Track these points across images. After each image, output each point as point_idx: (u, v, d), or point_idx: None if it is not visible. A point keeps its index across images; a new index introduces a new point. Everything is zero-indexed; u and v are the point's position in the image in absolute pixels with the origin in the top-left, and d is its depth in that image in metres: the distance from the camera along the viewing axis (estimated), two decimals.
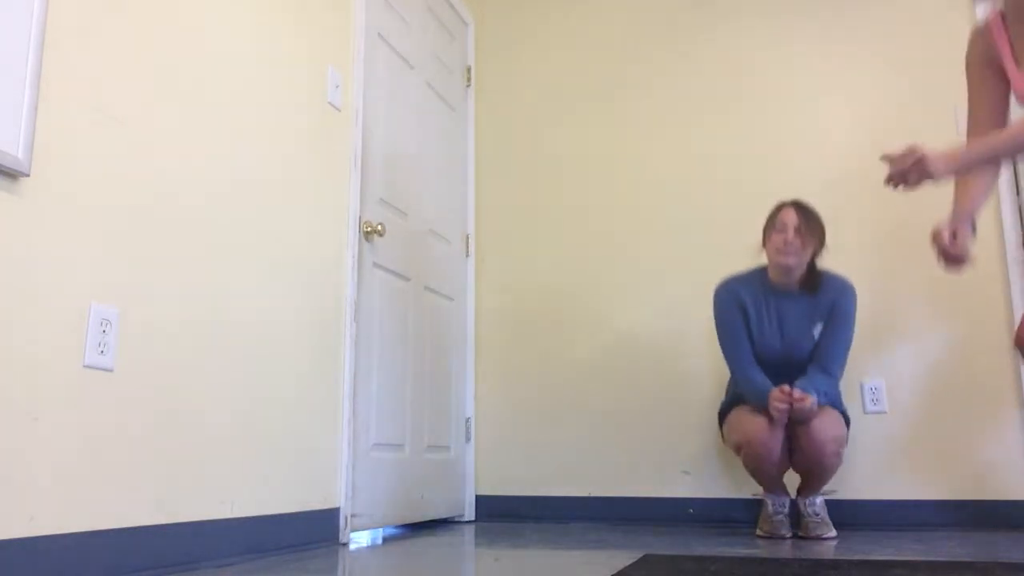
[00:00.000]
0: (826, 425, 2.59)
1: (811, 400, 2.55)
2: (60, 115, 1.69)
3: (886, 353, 3.17)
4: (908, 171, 1.77)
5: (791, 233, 2.67)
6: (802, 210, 2.72)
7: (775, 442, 2.64)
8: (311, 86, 2.60)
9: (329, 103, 2.68)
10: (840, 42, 3.46)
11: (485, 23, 4.02)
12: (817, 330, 2.74)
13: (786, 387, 2.58)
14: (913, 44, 3.36)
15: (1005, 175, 3.15)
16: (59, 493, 1.62)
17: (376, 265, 2.90)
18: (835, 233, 3.30)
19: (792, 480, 2.84)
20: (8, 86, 1.55)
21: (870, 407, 3.14)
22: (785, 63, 3.52)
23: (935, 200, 3.23)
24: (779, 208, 2.77)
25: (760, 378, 2.69)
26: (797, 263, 2.69)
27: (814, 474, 2.66)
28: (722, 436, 2.86)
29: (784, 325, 2.75)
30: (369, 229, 2.82)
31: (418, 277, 3.22)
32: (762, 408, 2.65)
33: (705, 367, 3.35)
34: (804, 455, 2.63)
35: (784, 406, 2.55)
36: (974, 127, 1.95)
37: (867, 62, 3.41)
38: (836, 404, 2.74)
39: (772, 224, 2.75)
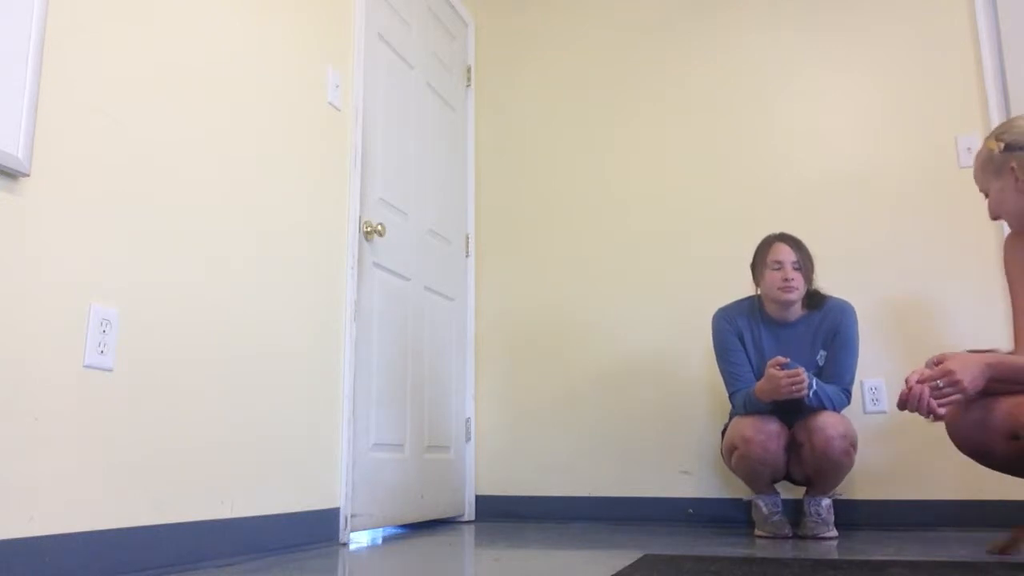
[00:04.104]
0: (834, 421, 2.58)
1: (803, 372, 2.53)
2: (60, 115, 1.69)
3: (886, 353, 3.17)
4: (937, 391, 1.73)
5: (789, 269, 2.68)
6: (793, 243, 2.74)
7: (770, 441, 2.63)
8: (311, 86, 2.60)
9: (329, 103, 2.68)
10: (840, 46, 3.45)
11: (485, 23, 4.02)
12: (820, 356, 2.73)
13: (779, 358, 2.57)
14: (913, 47, 3.36)
15: None
16: (59, 493, 1.62)
17: (376, 265, 2.90)
18: (835, 236, 3.31)
19: (787, 482, 2.85)
20: (8, 86, 1.55)
21: (870, 407, 3.14)
22: (785, 66, 3.51)
23: (932, 201, 3.24)
24: (768, 244, 2.77)
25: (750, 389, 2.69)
26: (799, 296, 2.71)
27: (824, 473, 2.62)
28: (722, 454, 2.85)
29: (784, 354, 2.73)
30: (369, 229, 2.82)
31: (418, 277, 3.22)
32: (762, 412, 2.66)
33: (706, 367, 3.35)
34: (812, 454, 2.60)
35: (784, 371, 2.53)
36: (1021, 333, 1.93)
37: (868, 65, 3.40)
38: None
39: (764, 261, 2.74)
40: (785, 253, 2.71)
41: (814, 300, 2.75)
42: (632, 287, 3.55)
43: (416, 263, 3.20)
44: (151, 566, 1.83)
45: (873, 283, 3.23)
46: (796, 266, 2.69)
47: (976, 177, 2.01)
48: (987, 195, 1.98)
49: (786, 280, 2.68)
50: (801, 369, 2.53)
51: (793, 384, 2.51)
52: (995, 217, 2.00)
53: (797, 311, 2.76)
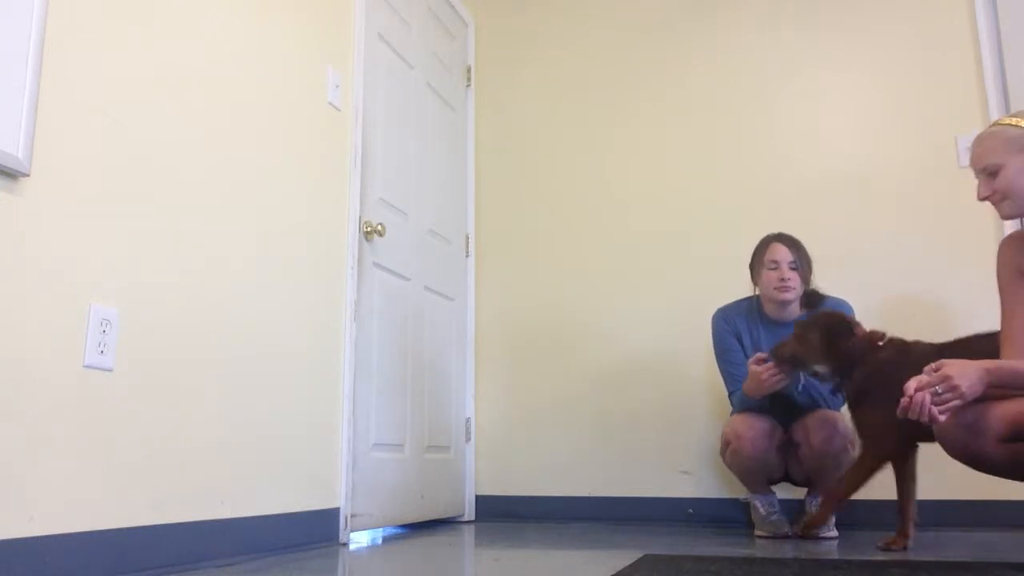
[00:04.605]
0: (830, 418, 2.60)
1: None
2: (60, 115, 1.69)
3: None
4: (936, 398, 1.73)
5: (785, 269, 2.70)
6: (791, 243, 2.75)
7: (761, 439, 2.64)
8: (311, 86, 2.60)
9: (329, 103, 2.68)
10: (839, 46, 3.45)
11: (485, 23, 4.02)
12: None
13: (759, 354, 2.58)
14: (913, 47, 3.36)
15: None
16: (59, 493, 1.62)
17: (376, 265, 2.90)
18: (835, 236, 3.31)
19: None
20: (8, 86, 1.55)
21: None
22: (786, 66, 3.51)
23: (932, 201, 3.24)
24: (766, 244, 2.78)
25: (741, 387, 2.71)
26: (796, 297, 2.72)
27: (823, 470, 2.63)
28: (720, 452, 2.85)
29: None
30: (369, 229, 2.82)
31: (418, 277, 3.22)
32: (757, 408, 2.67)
33: (705, 367, 3.34)
34: (811, 451, 2.61)
35: (764, 365, 2.53)
36: (1009, 339, 1.92)
37: (868, 65, 3.40)
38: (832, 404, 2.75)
39: (761, 261, 2.76)
40: (782, 253, 2.72)
41: (812, 299, 2.76)
42: (632, 287, 3.55)
43: (416, 263, 3.20)
44: (151, 566, 1.83)
45: (873, 283, 3.22)
46: (793, 266, 2.70)
47: (987, 152, 1.91)
48: (991, 174, 1.92)
49: (782, 280, 2.69)
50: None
51: (772, 377, 2.51)
52: (986, 197, 1.94)
53: (795, 310, 2.76)
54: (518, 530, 3.02)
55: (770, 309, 2.78)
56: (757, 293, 2.83)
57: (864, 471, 2.26)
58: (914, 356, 2.20)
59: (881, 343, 2.33)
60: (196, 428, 2.01)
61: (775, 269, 2.71)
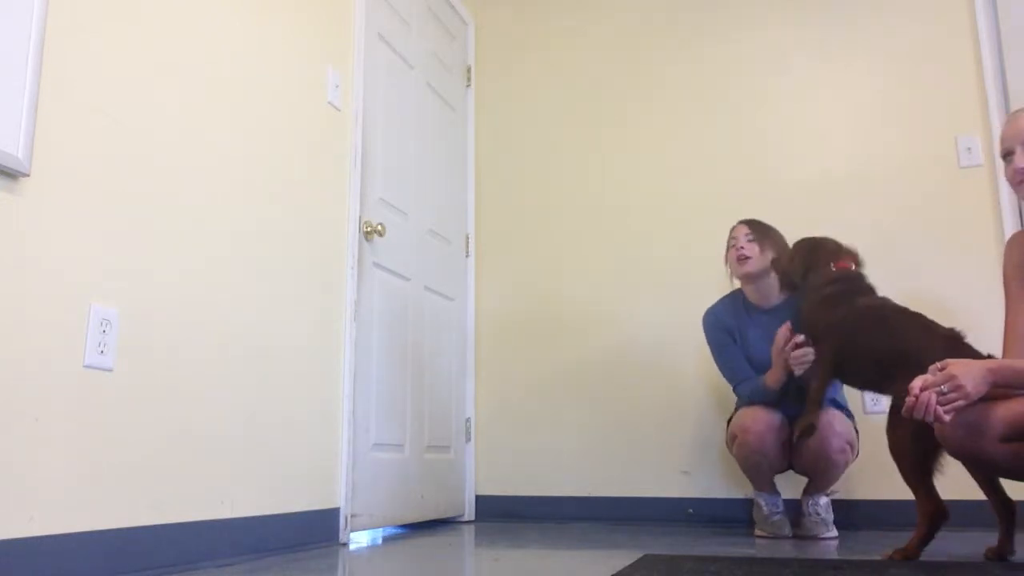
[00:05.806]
0: (832, 419, 2.59)
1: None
2: (60, 115, 1.69)
3: None
4: (940, 398, 1.72)
5: (742, 241, 2.79)
6: (750, 222, 2.86)
7: (769, 433, 2.64)
8: (311, 86, 2.60)
9: (329, 103, 2.68)
10: (840, 46, 3.46)
11: (485, 23, 4.02)
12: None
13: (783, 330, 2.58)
14: (914, 47, 3.36)
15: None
16: (59, 493, 1.62)
17: (376, 265, 2.90)
18: (835, 236, 3.30)
19: (787, 482, 2.85)
20: (8, 86, 1.55)
21: (870, 407, 3.13)
22: (785, 65, 3.51)
23: (932, 201, 3.24)
24: (730, 230, 2.90)
25: (758, 378, 2.71)
26: (756, 268, 2.77)
27: (820, 471, 2.64)
28: (727, 443, 2.86)
29: (771, 338, 2.74)
30: (369, 229, 2.82)
31: (418, 277, 3.22)
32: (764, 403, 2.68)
33: (705, 367, 3.34)
34: (808, 450, 2.62)
35: (789, 342, 2.53)
36: (1012, 337, 1.94)
37: (868, 65, 3.40)
38: (841, 405, 2.75)
39: (727, 246, 2.88)
40: (739, 231, 2.84)
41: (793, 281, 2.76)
42: (632, 287, 3.55)
43: (416, 263, 3.20)
44: (151, 566, 1.83)
45: (873, 283, 3.22)
46: (749, 238, 2.79)
47: None
48: None
49: (738, 249, 2.78)
50: (801, 338, 2.50)
51: (796, 349, 2.48)
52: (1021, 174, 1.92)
53: (777, 294, 2.80)
54: (518, 530, 3.02)
55: (749, 292, 2.86)
56: (737, 285, 2.91)
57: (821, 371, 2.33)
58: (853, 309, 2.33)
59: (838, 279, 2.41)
60: (196, 428, 2.01)
61: (734, 246, 2.82)
